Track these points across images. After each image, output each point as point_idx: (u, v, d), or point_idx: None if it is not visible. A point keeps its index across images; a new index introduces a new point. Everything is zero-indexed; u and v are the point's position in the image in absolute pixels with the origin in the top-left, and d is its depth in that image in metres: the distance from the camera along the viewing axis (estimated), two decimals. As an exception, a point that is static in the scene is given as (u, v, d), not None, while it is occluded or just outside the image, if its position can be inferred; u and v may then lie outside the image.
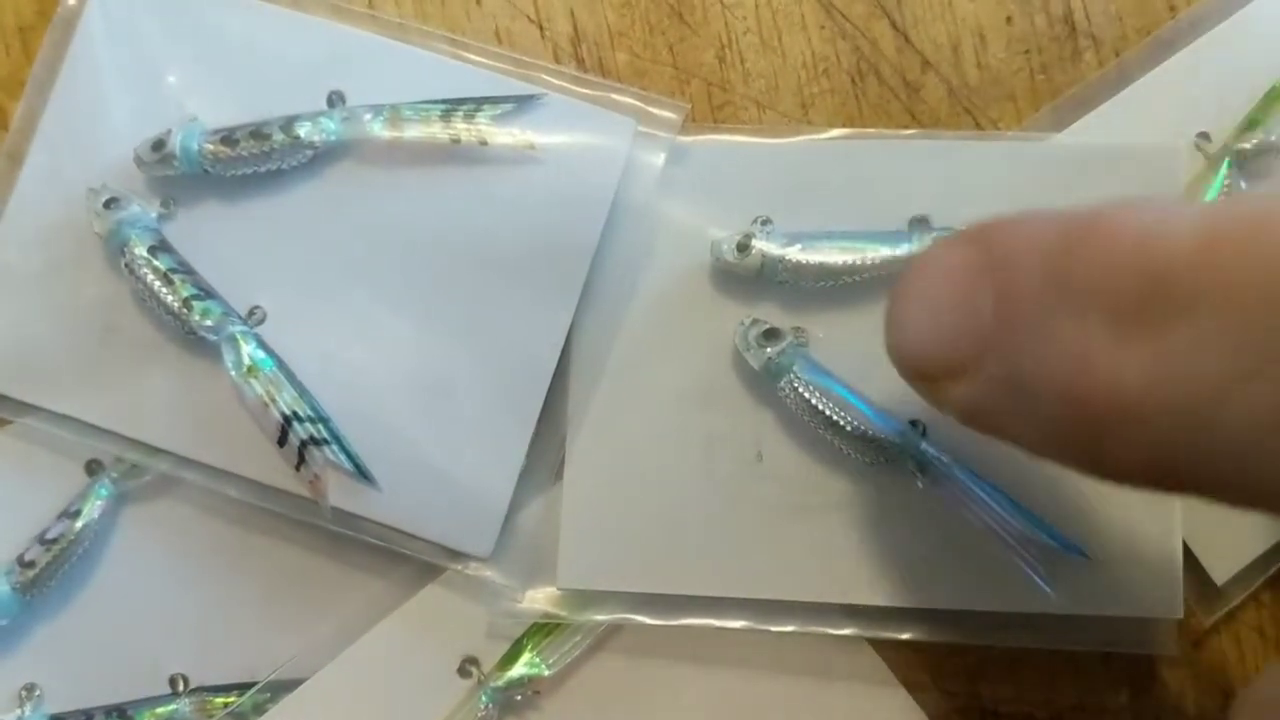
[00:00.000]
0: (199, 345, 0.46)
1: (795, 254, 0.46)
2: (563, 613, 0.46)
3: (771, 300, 0.47)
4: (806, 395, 0.45)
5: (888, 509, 0.46)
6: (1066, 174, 0.46)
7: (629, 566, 0.46)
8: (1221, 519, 0.46)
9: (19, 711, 0.47)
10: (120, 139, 0.47)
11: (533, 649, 0.46)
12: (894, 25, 0.49)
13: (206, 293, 0.46)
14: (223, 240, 0.47)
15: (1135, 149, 0.46)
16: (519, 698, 0.46)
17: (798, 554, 0.45)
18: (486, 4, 0.49)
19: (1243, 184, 0.47)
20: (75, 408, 0.47)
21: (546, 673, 0.46)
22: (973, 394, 0.33)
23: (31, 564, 0.46)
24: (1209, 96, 0.48)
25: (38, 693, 0.47)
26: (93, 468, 0.48)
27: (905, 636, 0.45)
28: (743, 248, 0.46)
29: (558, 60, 0.49)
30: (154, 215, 0.47)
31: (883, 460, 0.45)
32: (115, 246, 0.46)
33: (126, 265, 0.46)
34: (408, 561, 0.47)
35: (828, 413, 0.45)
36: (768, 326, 0.46)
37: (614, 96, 0.47)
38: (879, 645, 0.47)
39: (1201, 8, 0.48)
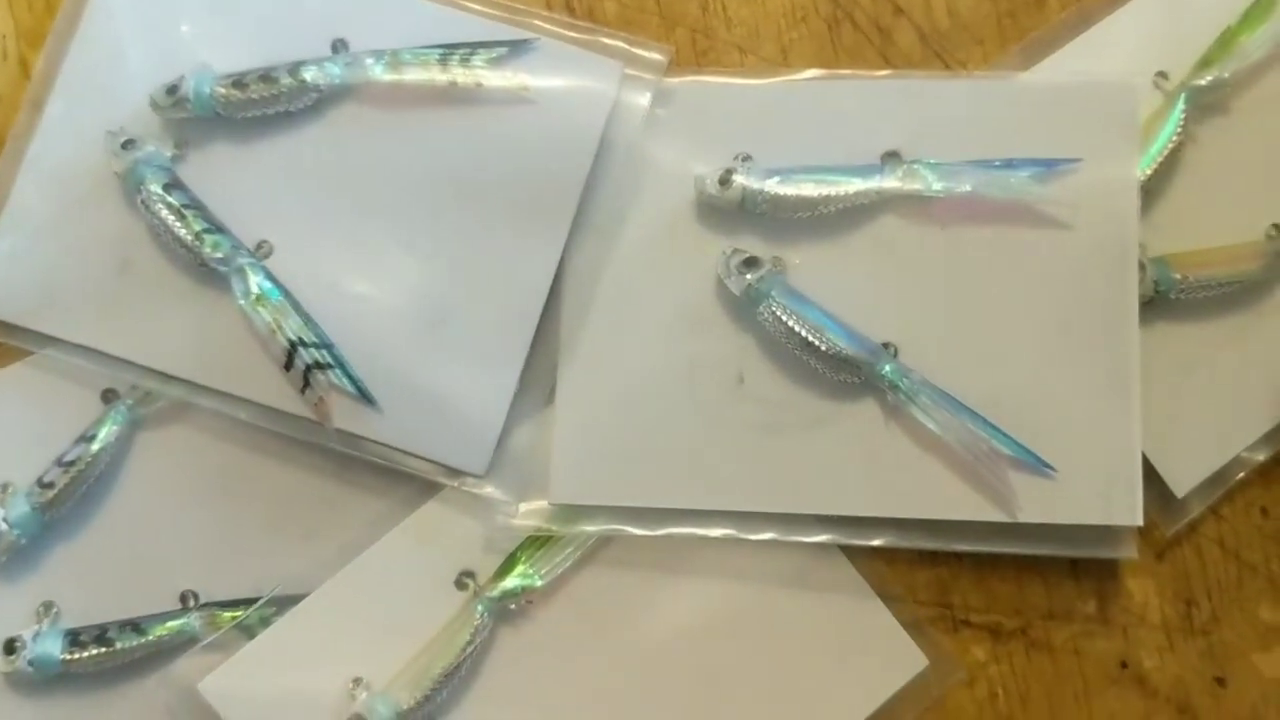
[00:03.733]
0: (210, 277, 0.49)
1: (774, 187, 0.48)
2: (554, 526, 0.48)
3: (752, 231, 0.49)
4: (784, 319, 0.47)
5: (861, 425, 0.48)
6: (1030, 110, 0.49)
7: (617, 481, 0.48)
8: (1181, 435, 0.48)
9: (37, 626, 0.49)
10: (136, 85, 0.50)
11: (526, 561, 0.48)
12: (868, -25, 0.52)
13: (217, 227, 0.49)
14: (233, 178, 0.50)
15: (1095, 86, 0.49)
16: (513, 607, 0.48)
17: (777, 468, 0.48)
18: (482, -43, 0.52)
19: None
20: (93, 338, 0.49)
21: (539, 584, 0.48)
22: None
23: (51, 485, 0.49)
24: (1166, 37, 0.50)
25: (55, 609, 0.49)
26: (109, 395, 0.50)
27: (877, 543, 0.47)
28: (724, 182, 0.48)
29: (549, 8, 0.52)
30: (168, 155, 0.49)
31: (857, 379, 0.47)
32: (132, 185, 0.49)
33: (142, 202, 0.48)
34: (407, 480, 0.49)
35: (804, 335, 0.47)
36: (748, 255, 0.48)
37: (602, 40, 0.50)
38: (854, 558, 0.49)
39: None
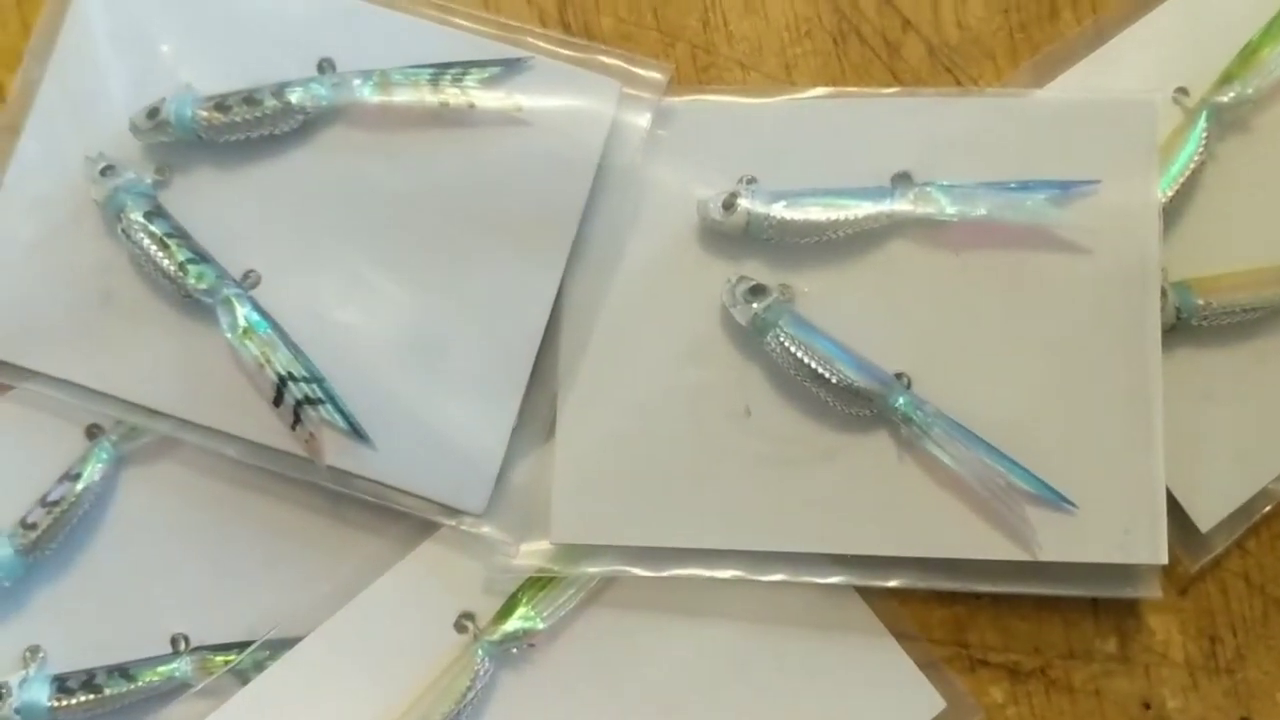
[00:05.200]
0: (195, 308, 0.47)
1: (780, 211, 0.46)
2: (556, 567, 0.47)
3: (757, 257, 0.47)
4: (793, 349, 0.45)
5: (874, 460, 0.46)
6: (1046, 129, 0.47)
7: (621, 520, 0.46)
8: (1205, 467, 0.47)
9: (23, 673, 0.47)
10: (116, 108, 0.48)
11: (527, 603, 0.47)
12: (875, -14, 0.50)
13: (201, 257, 0.47)
14: (217, 205, 0.48)
15: (1113, 103, 0.47)
16: (515, 651, 0.47)
17: (787, 505, 0.46)
18: (474, -29, 0.50)
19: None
20: (75, 372, 0.47)
21: (541, 626, 0.47)
22: None
23: (34, 526, 0.47)
24: (1186, 52, 0.49)
25: (41, 654, 0.48)
26: (93, 431, 0.48)
27: (892, 584, 0.46)
28: (728, 206, 0.46)
29: (544, 25, 0.50)
30: (149, 181, 0.48)
31: (869, 412, 0.46)
32: (112, 213, 0.47)
33: (123, 231, 0.47)
34: (403, 519, 0.47)
35: (814, 366, 0.45)
36: (754, 283, 0.46)
37: (599, 59, 0.48)
38: (868, 596, 0.47)
39: (1177, -36, 0.49)
